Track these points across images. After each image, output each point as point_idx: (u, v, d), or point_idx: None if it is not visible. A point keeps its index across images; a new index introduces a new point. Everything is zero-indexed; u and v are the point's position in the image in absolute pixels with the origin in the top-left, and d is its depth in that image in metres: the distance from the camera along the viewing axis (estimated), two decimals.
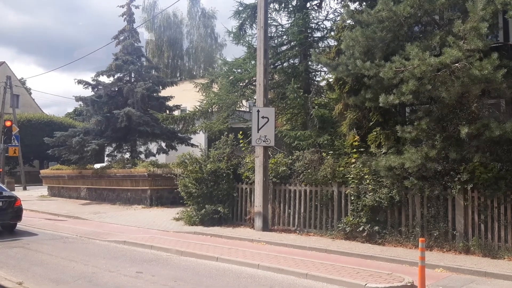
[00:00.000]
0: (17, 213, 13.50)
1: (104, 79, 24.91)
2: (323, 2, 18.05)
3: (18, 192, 25.96)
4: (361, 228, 11.41)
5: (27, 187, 31.69)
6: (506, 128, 9.04)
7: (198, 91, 19.68)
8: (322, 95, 18.07)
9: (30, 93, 51.17)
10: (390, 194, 11.11)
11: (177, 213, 15.67)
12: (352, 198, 11.83)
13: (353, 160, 12.08)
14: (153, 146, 24.36)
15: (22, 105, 45.00)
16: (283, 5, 18.00)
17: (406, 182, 10.66)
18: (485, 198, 10.15)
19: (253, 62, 17.29)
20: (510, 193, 9.86)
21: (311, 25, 17.80)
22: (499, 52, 9.18)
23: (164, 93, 25.21)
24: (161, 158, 24.13)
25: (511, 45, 10.83)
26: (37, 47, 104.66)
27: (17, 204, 13.47)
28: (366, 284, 7.70)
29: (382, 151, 11.34)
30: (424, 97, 10.00)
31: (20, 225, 14.35)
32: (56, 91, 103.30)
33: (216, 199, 14.42)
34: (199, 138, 22.38)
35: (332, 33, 15.99)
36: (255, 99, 14.52)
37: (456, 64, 9.06)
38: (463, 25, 9.17)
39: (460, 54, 8.90)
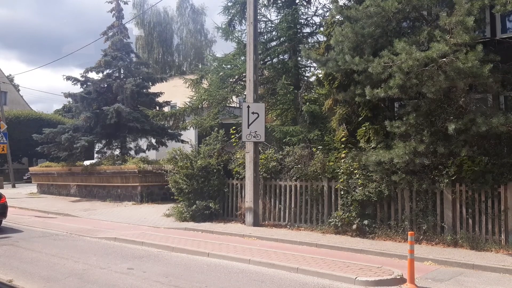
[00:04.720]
0: (2, 210, 13.51)
1: (93, 75, 24.83)
2: None
3: (7, 190, 25.82)
4: (351, 222, 11.50)
5: (16, 185, 31.42)
6: (493, 123, 9.13)
7: (188, 87, 19.61)
8: (312, 91, 18.13)
9: (18, 90, 50.63)
10: (379, 189, 11.22)
11: (168, 209, 15.68)
12: (342, 192, 11.92)
13: (343, 155, 12.17)
14: (143, 143, 24.26)
15: (10, 102, 44.56)
16: (272, 1, 18.01)
17: (394, 176, 10.74)
18: (472, 192, 10.28)
19: (242, 58, 17.27)
20: (497, 186, 9.99)
21: (300, 20, 17.83)
22: (486, 47, 9.26)
23: (154, 89, 25.09)
24: (151, 155, 24.05)
25: (498, 40, 10.91)
26: (18, 41, 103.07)
27: (2, 201, 13.47)
28: (356, 278, 7.78)
29: (371, 146, 11.42)
30: (412, 91, 10.06)
31: (9, 223, 14.26)
32: (40, 87, 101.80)
33: (207, 195, 14.44)
34: (190, 134, 22.35)
35: (321, 29, 15.98)
36: (245, 95, 14.53)
37: (444, 59, 9.12)
38: (449, 18, 9.24)
39: (446, 48, 8.95)
